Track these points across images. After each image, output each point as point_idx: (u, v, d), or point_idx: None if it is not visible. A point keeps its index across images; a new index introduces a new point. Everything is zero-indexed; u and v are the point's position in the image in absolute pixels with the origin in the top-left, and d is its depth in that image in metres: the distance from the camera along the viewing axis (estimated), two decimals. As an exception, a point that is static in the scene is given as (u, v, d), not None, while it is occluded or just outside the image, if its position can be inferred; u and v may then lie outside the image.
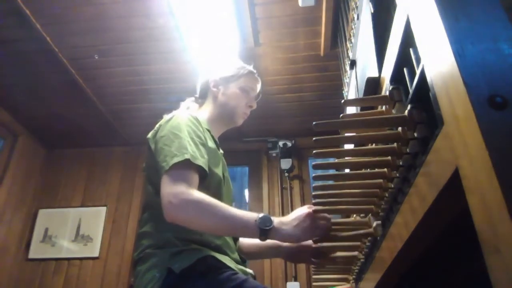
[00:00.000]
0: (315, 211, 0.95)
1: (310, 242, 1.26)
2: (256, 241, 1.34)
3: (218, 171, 1.17)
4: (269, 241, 1.34)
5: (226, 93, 1.32)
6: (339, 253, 1.05)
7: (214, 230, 1.05)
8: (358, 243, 0.85)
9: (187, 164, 1.02)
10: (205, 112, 1.31)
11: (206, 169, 1.06)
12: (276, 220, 0.99)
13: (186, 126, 1.12)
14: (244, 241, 1.32)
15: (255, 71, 1.40)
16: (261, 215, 0.98)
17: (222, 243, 1.11)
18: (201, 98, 1.38)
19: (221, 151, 1.28)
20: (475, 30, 0.38)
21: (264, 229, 0.96)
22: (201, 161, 1.05)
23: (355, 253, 0.92)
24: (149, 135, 1.18)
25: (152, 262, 1.02)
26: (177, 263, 0.98)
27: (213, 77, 1.35)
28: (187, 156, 1.02)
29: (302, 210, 1.01)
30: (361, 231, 0.80)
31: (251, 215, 0.99)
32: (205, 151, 1.11)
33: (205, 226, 1.02)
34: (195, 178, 1.04)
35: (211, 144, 1.18)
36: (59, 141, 3.35)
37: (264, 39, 2.34)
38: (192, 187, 1.01)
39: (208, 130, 1.23)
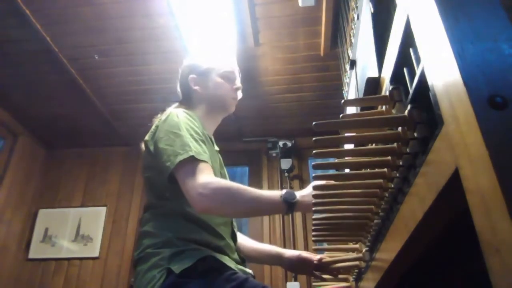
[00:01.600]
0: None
1: (311, 255, 1.27)
2: (256, 246, 1.35)
3: (216, 168, 1.17)
4: (271, 250, 1.36)
5: (209, 85, 1.31)
6: (340, 265, 1.06)
7: (244, 214, 1.11)
8: (360, 254, 0.86)
9: (193, 161, 1.03)
10: (196, 112, 1.30)
11: (210, 164, 1.07)
12: (297, 193, 1.05)
13: (184, 123, 1.12)
14: (246, 244, 1.32)
15: (223, 52, 1.39)
16: (284, 191, 1.04)
17: (222, 244, 1.11)
18: (186, 100, 1.37)
19: (216, 148, 1.28)
20: (475, 30, 0.38)
21: (290, 203, 1.02)
22: (205, 157, 1.06)
23: (356, 263, 0.92)
24: (147, 137, 1.19)
25: (152, 262, 1.01)
26: (177, 263, 0.98)
27: (190, 76, 1.34)
28: (191, 153, 1.03)
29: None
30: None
31: (276, 193, 1.05)
32: (205, 147, 1.12)
33: (236, 211, 1.07)
34: (209, 167, 1.05)
35: (206, 141, 1.18)
36: (59, 141, 3.35)
37: (264, 39, 2.34)
38: (212, 175, 1.04)
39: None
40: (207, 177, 1.01)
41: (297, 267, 1.30)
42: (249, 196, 1.03)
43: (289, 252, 1.33)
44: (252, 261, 1.32)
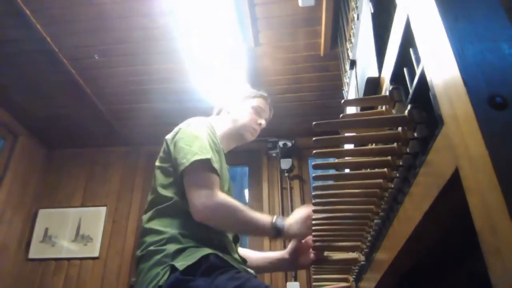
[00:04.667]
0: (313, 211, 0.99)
1: (309, 240, 1.27)
2: (261, 254, 1.37)
3: (224, 181, 1.21)
4: (272, 256, 1.38)
5: (238, 110, 1.42)
6: (339, 255, 1.06)
7: (236, 231, 1.18)
8: (358, 243, 0.85)
9: (207, 164, 1.09)
10: (217, 128, 1.36)
11: (220, 175, 1.13)
12: (286, 222, 1.13)
13: (206, 132, 1.20)
14: (251, 256, 1.34)
15: (267, 95, 1.50)
16: (275, 217, 1.12)
17: (225, 243, 1.12)
18: (215, 115, 1.48)
19: (227, 165, 1.33)
20: (475, 30, 0.38)
21: (279, 229, 1.10)
22: (217, 166, 1.12)
23: (355, 255, 0.92)
24: (168, 136, 1.25)
25: (155, 259, 1.02)
26: (180, 261, 0.98)
27: (229, 97, 1.47)
28: (208, 156, 1.09)
29: (302, 211, 1.15)
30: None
31: (267, 218, 1.13)
32: (218, 158, 1.18)
33: (231, 228, 1.14)
34: (217, 180, 1.11)
35: (220, 154, 1.25)
36: (59, 141, 3.35)
37: (264, 39, 2.34)
38: (218, 189, 1.09)
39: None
40: (214, 189, 1.07)
41: (298, 255, 1.29)
42: (246, 217, 1.10)
43: (288, 248, 1.34)
44: (260, 271, 1.34)
